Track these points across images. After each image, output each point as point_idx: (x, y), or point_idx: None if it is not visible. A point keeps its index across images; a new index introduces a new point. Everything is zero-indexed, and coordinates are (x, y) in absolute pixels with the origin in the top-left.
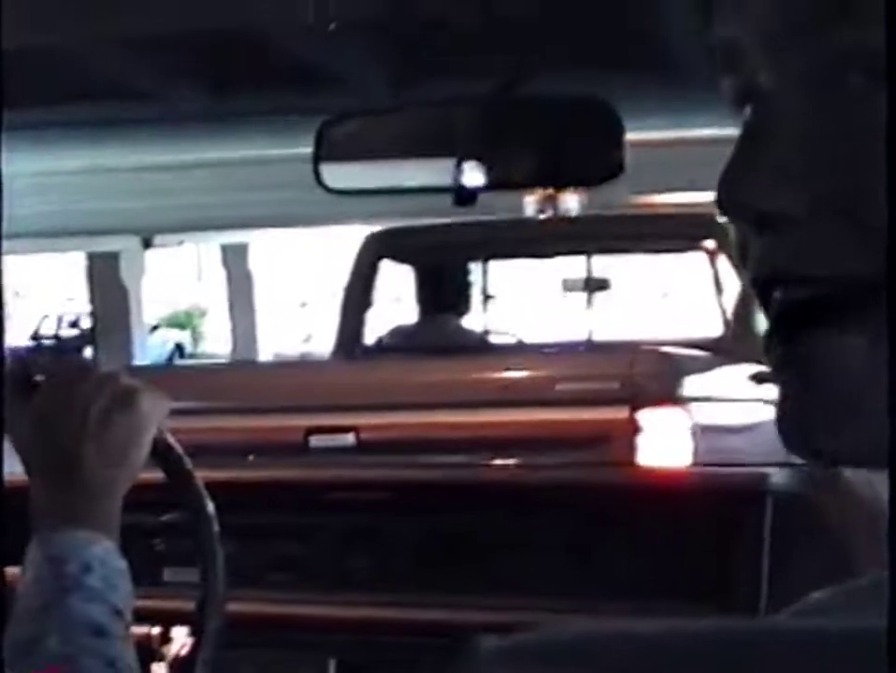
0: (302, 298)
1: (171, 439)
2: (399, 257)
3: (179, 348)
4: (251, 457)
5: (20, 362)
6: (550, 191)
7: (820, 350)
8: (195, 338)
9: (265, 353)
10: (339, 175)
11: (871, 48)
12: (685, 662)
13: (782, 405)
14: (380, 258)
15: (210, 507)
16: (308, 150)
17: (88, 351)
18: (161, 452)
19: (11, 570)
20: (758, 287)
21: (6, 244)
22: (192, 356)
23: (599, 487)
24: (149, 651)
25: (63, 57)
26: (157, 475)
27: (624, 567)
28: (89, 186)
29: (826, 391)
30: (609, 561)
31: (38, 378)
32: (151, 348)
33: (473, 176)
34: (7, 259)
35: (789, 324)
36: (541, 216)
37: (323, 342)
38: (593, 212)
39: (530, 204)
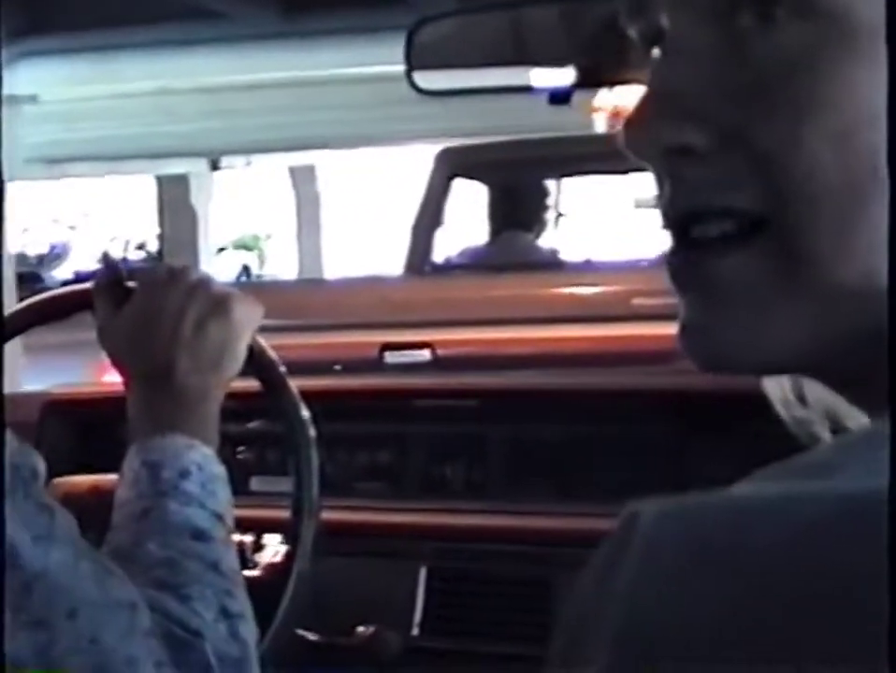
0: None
1: (266, 346)
2: (472, 174)
3: (246, 269)
4: (337, 367)
5: (112, 268)
6: (619, 105)
7: (724, 272)
8: (262, 260)
9: (330, 275)
10: (430, 77)
11: None
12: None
13: (687, 320)
14: (453, 175)
15: (306, 414)
16: (377, 69)
17: None
18: (255, 360)
19: (110, 477)
20: (669, 224)
21: (77, 166)
22: (258, 278)
23: (686, 393)
24: (241, 559)
25: None
26: (241, 383)
27: (716, 471)
28: (157, 108)
29: (728, 305)
30: (699, 465)
31: (131, 284)
32: (218, 270)
33: (563, 75)
34: (78, 181)
35: (696, 250)
36: (612, 131)
37: (386, 264)
38: None
39: (600, 120)
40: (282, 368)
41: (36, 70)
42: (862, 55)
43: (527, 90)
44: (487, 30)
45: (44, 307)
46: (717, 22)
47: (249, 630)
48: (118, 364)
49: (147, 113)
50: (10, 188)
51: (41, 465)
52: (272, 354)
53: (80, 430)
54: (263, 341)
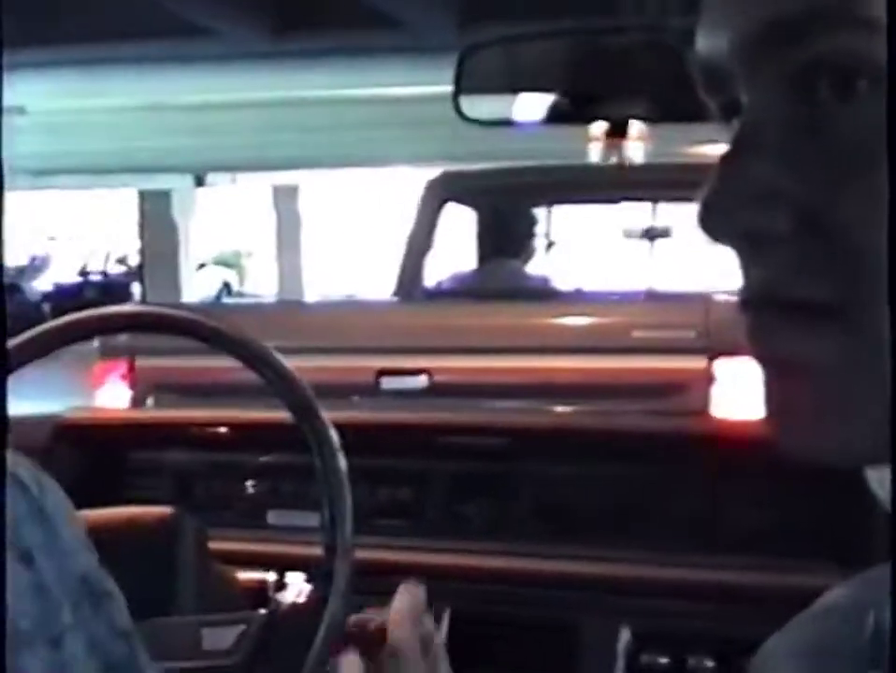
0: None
1: (296, 375)
2: (464, 199)
3: (226, 286)
4: (356, 398)
5: None
6: (615, 138)
7: (810, 354)
8: (242, 277)
9: (309, 295)
10: (475, 105)
11: (841, 53)
12: None
13: (776, 406)
14: (445, 200)
15: (338, 443)
16: (364, 91)
17: (135, 288)
18: (285, 385)
19: (146, 510)
20: (745, 308)
21: (61, 178)
22: (238, 295)
23: (717, 436)
24: (262, 597)
25: None
26: (260, 414)
27: (746, 515)
28: (144, 124)
29: (808, 389)
30: (730, 509)
31: None
32: (198, 286)
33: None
34: (61, 194)
35: (780, 330)
36: (606, 162)
37: (367, 286)
38: (657, 160)
39: (595, 150)
40: (314, 397)
41: (24, 82)
42: None
43: (590, 119)
44: (535, 57)
45: (49, 338)
46: (797, 96)
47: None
48: None
49: (133, 128)
50: None
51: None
52: (303, 382)
53: (93, 455)
54: (291, 366)
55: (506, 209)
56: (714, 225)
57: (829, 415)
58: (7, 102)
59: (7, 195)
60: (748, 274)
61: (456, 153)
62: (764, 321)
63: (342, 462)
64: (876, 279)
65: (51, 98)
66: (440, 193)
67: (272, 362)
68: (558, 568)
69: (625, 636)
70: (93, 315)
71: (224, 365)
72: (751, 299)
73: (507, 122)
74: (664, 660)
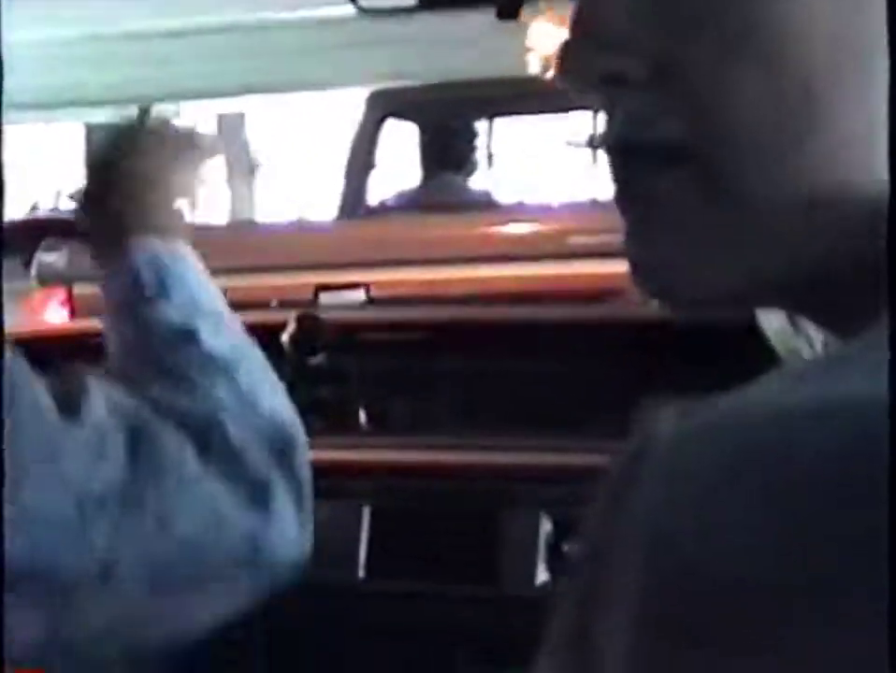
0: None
1: None
2: (404, 114)
3: None
4: (274, 302)
5: None
6: (553, 49)
7: (660, 197)
8: (193, 206)
9: (261, 221)
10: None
11: None
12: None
13: (634, 255)
14: (384, 116)
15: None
16: (307, 12)
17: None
18: None
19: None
20: (609, 152)
21: (7, 114)
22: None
23: (645, 323)
24: None
25: None
26: None
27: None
28: (88, 56)
29: (667, 234)
30: (659, 397)
31: None
32: None
33: None
34: (6, 130)
35: (635, 176)
36: (545, 74)
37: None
38: None
39: (533, 61)
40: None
41: None
42: None
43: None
44: None
45: None
46: None
47: (273, 401)
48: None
49: (78, 61)
50: None
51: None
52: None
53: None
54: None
55: (447, 123)
56: (572, 73)
57: (687, 256)
58: None
59: None
60: (608, 119)
61: (402, 73)
62: (624, 165)
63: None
64: (728, 120)
65: None
66: (378, 110)
67: None
68: (477, 460)
69: (546, 526)
70: (22, 221)
71: None
72: (612, 144)
73: (403, 10)
74: None
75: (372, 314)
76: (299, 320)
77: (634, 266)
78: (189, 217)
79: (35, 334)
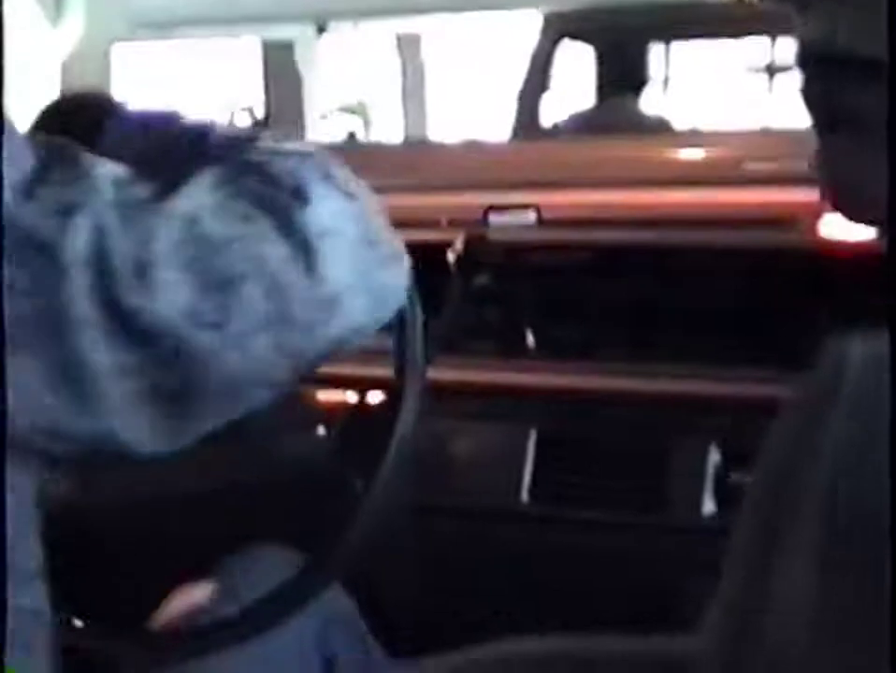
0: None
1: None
2: (580, 36)
3: (351, 135)
4: (444, 221)
5: None
6: None
7: (864, 109)
8: (367, 126)
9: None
10: None
11: None
12: None
13: (833, 173)
14: (560, 37)
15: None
16: None
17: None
18: None
19: None
20: (803, 66)
21: (183, 29)
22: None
23: (819, 254)
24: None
25: None
26: None
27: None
28: None
29: (872, 145)
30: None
31: None
32: (323, 135)
33: None
34: (183, 44)
35: (836, 82)
36: None
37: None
38: None
39: None
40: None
41: None
42: None
43: None
44: None
45: None
46: None
47: None
48: None
49: None
50: (117, 50)
51: None
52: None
53: None
54: (413, 202)
55: (623, 46)
56: None
57: (877, 171)
58: None
59: (130, 47)
60: (806, 32)
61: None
62: (819, 76)
63: (413, 285)
64: None
65: None
66: (554, 31)
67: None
68: (646, 388)
69: (713, 456)
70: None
71: None
72: (807, 57)
73: None
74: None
75: (540, 235)
76: (466, 239)
77: (835, 187)
78: (363, 135)
79: None
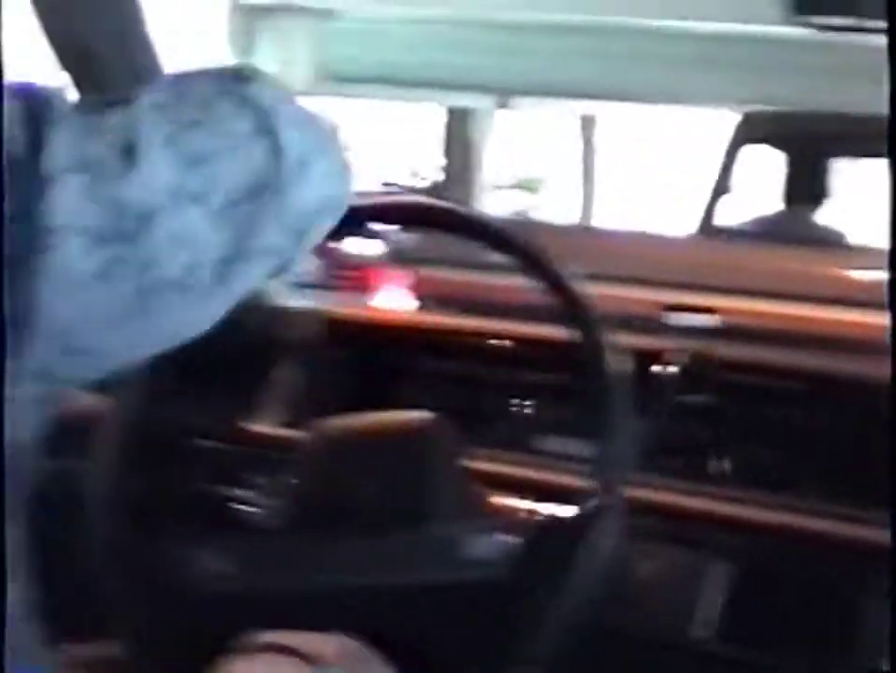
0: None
1: (582, 290)
2: (772, 142)
3: (522, 211)
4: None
5: None
6: None
7: None
8: (537, 204)
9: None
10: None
11: None
12: None
13: None
14: (752, 140)
15: (624, 370)
16: (685, 23)
17: None
18: (569, 303)
19: (399, 417)
20: None
21: (364, 87)
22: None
23: None
24: (514, 522)
25: None
26: (536, 329)
27: None
28: (451, 39)
29: None
30: None
31: None
32: (493, 208)
33: None
34: (361, 102)
35: None
36: None
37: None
38: None
39: None
40: (603, 322)
41: None
42: None
43: None
44: None
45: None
46: None
47: None
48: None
49: (439, 42)
50: (302, 100)
51: None
52: (593, 299)
53: (361, 354)
54: (579, 284)
55: (816, 156)
56: None
57: None
58: (318, 4)
59: (310, 101)
60: None
61: (760, 97)
62: None
63: (626, 392)
64: None
65: (362, 2)
66: (747, 133)
67: (560, 276)
68: (848, 532)
69: None
70: (376, 202)
71: (508, 283)
72: None
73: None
74: None
75: (761, 355)
76: (691, 356)
77: None
78: (536, 213)
79: (371, 319)
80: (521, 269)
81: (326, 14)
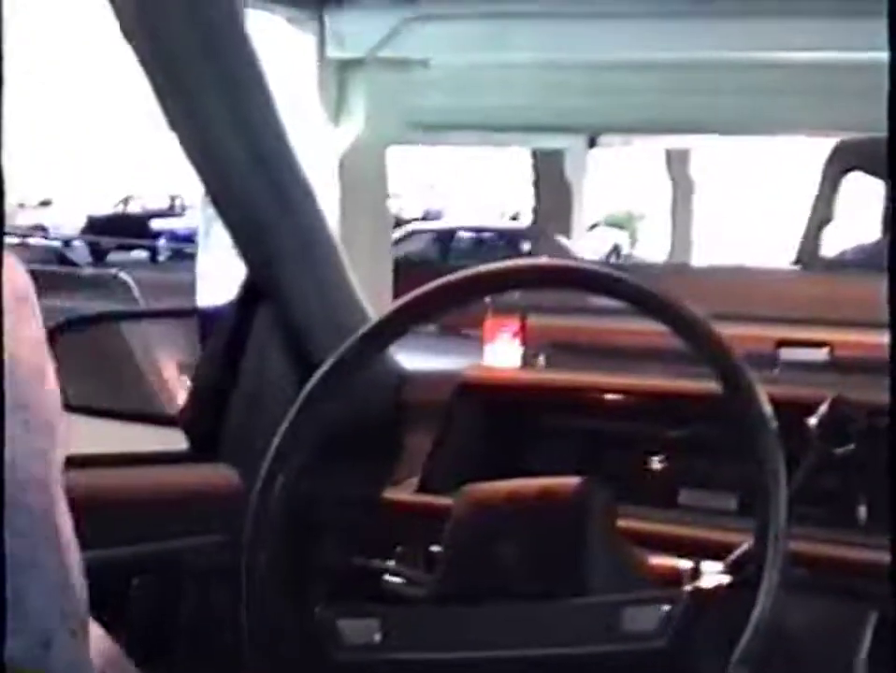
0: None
1: (726, 339)
2: (870, 169)
3: (616, 248)
4: (776, 370)
5: None
6: None
7: None
8: (633, 240)
9: (698, 261)
10: None
11: None
12: None
13: None
14: (848, 168)
15: (774, 423)
16: (769, 55)
17: (525, 246)
18: (712, 353)
19: (530, 483)
20: None
21: (455, 134)
22: (627, 258)
23: None
24: (675, 586)
25: None
26: (670, 382)
27: None
28: (540, 82)
29: None
30: None
31: None
32: (587, 247)
33: None
34: (452, 149)
35: None
36: None
37: (756, 254)
38: None
39: None
40: (748, 370)
41: (429, 34)
42: None
43: None
44: None
45: (449, 293)
46: None
47: None
48: None
49: (529, 86)
50: (390, 152)
51: None
52: (733, 347)
53: (493, 416)
54: (723, 333)
55: None
56: None
57: None
58: (412, 55)
59: (401, 150)
60: None
61: (857, 124)
62: None
63: (778, 440)
64: None
65: (454, 52)
66: (843, 161)
67: (698, 323)
68: None
69: None
70: (498, 268)
71: (621, 327)
72: None
73: None
74: None
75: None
76: (832, 403)
77: None
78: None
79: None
80: (655, 316)
81: (416, 65)
